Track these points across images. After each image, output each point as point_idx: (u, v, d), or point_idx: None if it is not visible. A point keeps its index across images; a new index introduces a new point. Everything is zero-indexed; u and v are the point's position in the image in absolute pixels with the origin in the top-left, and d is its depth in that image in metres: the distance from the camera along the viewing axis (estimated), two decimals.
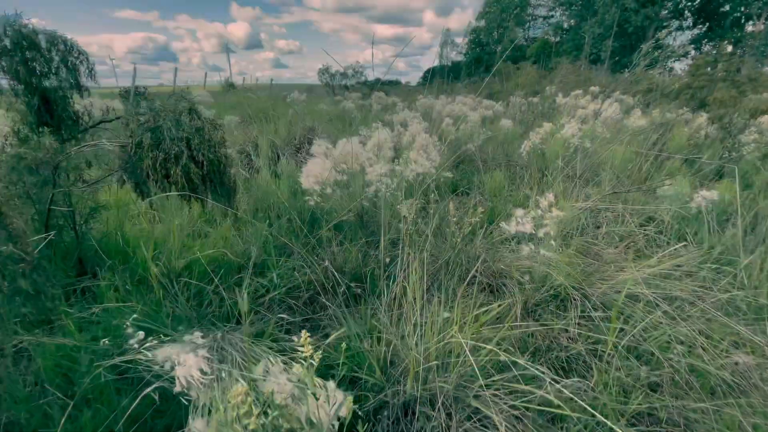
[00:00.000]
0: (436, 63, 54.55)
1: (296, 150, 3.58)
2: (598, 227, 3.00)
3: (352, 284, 2.03)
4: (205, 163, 1.65)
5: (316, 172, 1.95)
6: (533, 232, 1.64)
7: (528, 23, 48.65)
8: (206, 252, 2.08)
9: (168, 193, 1.66)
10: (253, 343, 1.40)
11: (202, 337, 1.35)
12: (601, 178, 3.55)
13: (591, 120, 6.89)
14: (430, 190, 2.53)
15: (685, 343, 1.71)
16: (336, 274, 2.09)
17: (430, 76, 48.46)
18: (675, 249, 2.70)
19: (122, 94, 13.61)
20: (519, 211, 1.70)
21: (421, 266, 1.51)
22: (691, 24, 33.81)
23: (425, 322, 1.48)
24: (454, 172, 4.27)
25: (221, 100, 10.36)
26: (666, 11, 31.79)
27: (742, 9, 30.27)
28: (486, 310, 1.57)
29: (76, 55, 2.04)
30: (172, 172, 1.57)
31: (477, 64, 45.19)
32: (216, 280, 1.98)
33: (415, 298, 1.46)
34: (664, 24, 33.51)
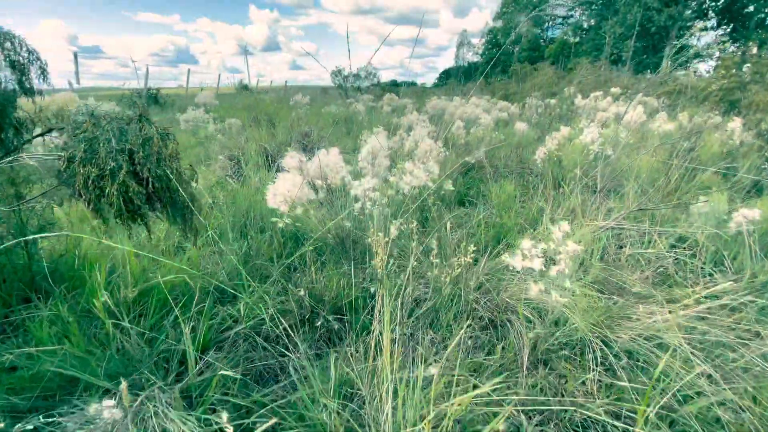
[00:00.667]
0: (453, 64, 54.10)
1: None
2: (621, 247, 2.65)
3: (331, 318, 1.75)
4: (150, 180, 1.39)
5: (284, 189, 1.68)
6: (543, 269, 1.33)
7: (546, 23, 47.75)
8: (167, 277, 1.83)
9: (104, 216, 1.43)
10: (183, 409, 1.14)
11: (123, 399, 1.09)
12: (624, 190, 3.19)
13: (613, 124, 6.49)
14: (427, 206, 2.24)
15: (730, 407, 1.38)
16: (313, 305, 1.81)
17: (446, 77, 47.98)
18: (712, 277, 2.34)
19: (133, 96, 13.70)
20: (526, 243, 1.39)
21: (401, 308, 1.22)
22: (715, 24, 32.57)
23: (406, 380, 1.19)
24: (461, 181, 3.96)
25: (231, 102, 10.24)
26: (690, 11, 30.65)
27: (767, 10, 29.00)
28: (485, 365, 1.27)
29: (25, 54, 1.82)
30: (107, 191, 1.32)
31: (494, 65, 44.53)
32: (176, 309, 1.73)
33: (392, 352, 1.17)
34: (688, 24, 32.37)
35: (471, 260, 1.29)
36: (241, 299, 1.86)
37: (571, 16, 44.37)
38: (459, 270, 1.35)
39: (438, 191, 2.51)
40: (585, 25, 40.48)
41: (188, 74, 15.25)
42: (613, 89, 11.30)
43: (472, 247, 1.29)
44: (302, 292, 1.70)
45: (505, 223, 2.60)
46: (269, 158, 3.29)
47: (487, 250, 2.52)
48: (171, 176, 1.43)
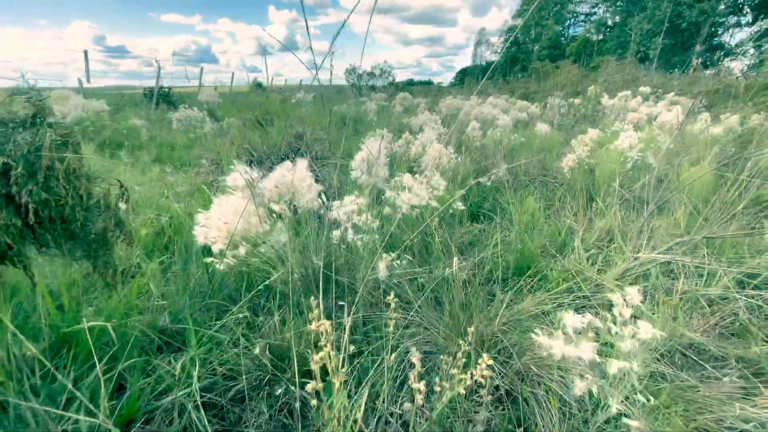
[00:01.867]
0: (470, 63, 53.17)
1: (281, 161, 2.91)
2: (673, 278, 2.14)
3: (294, 387, 1.32)
4: (30, 206, 0.99)
5: (220, 219, 1.24)
6: (596, 358, 0.86)
7: (568, 21, 46.43)
8: (93, 323, 1.43)
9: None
10: None
11: None
12: (671, 206, 2.67)
13: (647, 126, 5.89)
14: (430, 230, 1.80)
15: None
16: (275, 365, 1.38)
17: (463, 76, 47.22)
18: None
19: (145, 94, 13.59)
20: (569, 318, 0.92)
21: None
22: (750, 20, 30.91)
23: None
24: (475, 190, 3.48)
25: (239, 101, 9.95)
26: (723, 6, 29.16)
27: None
28: None
29: None
30: None
31: (513, 63, 43.51)
32: (99, 365, 1.32)
33: None
34: (721, 20, 30.89)
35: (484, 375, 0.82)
36: (186, 352, 1.45)
37: (595, 12, 43.00)
38: (458, 388, 0.90)
39: (445, 211, 2.06)
40: (609, 22, 39.10)
41: (201, 72, 15.07)
42: (642, 88, 10.60)
43: (485, 359, 0.83)
44: (258, 350, 1.27)
45: (528, 248, 2.12)
46: (253, 163, 2.89)
47: (504, 282, 2.06)
48: (72, 199, 1.02)
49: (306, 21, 1.20)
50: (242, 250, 1.25)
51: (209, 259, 1.29)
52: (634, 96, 9.35)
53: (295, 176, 1.35)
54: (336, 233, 1.42)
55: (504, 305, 1.54)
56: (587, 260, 2.16)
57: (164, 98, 13.33)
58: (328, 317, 1.52)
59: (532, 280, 1.99)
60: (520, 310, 1.51)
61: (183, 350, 1.49)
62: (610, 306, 1.89)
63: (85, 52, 9.74)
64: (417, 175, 2.63)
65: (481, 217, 3.19)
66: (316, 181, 2.71)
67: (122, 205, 1.33)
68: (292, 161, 2.98)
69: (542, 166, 4.06)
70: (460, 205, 1.88)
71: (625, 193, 2.65)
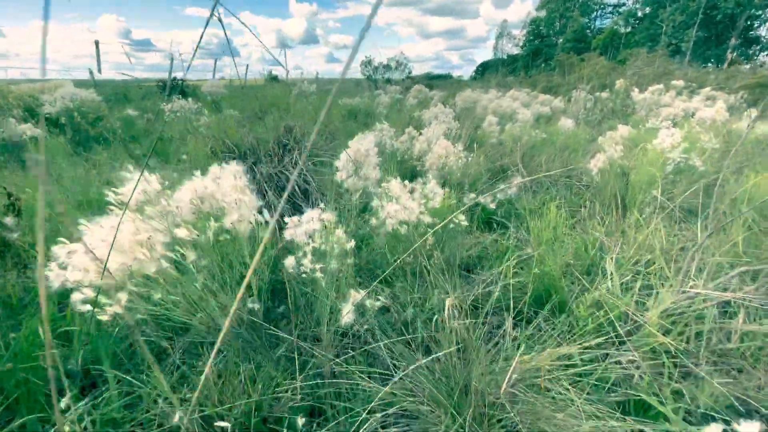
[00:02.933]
0: (491, 56, 51.96)
1: (270, 160, 2.58)
2: (730, 316, 1.72)
3: None
4: None
5: (94, 251, 0.86)
6: None
7: (595, 12, 44.66)
8: None
9: None
10: None
11: None
12: (724, 219, 2.22)
13: (685, 123, 5.35)
14: (423, 249, 1.43)
15: None
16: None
17: (483, 69, 46.15)
18: None
19: (159, 85, 13.53)
20: None
21: None
22: None
23: None
24: (487, 191, 3.08)
25: (246, 93, 9.67)
26: None
27: None
28: None
29: None
30: None
31: (535, 57, 42.20)
32: None
33: None
34: (758, 13, 29.17)
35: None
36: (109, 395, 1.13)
37: (623, 4, 41.22)
38: None
39: (445, 228, 1.68)
40: (639, 14, 37.46)
41: (215, 65, 14.90)
42: (674, 82, 9.89)
43: None
44: (178, 415, 0.94)
45: (549, 271, 1.73)
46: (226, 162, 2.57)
47: (518, 315, 1.68)
48: None
49: None
50: (123, 298, 0.89)
51: (78, 303, 0.92)
52: (666, 90, 8.70)
53: (220, 187, 1.00)
54: (289, 261, 1.07)
55: (517, 355, 1.16)
56: (622, 288, 1.75)
57: (178, 90, 13.22)
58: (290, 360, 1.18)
59: (553, 315, 1.60)
60: (536, 366, 1.13)
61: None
62: (652, 352, 1.49)
63: (96, 43, 9.62)
64: (418, 178, 2.26)
65: (494, 225, 2.79)
66: (304, 186, 2.35)
67: (7, 220, 1.00)
68: (279, 160, 2.64)
69: (565, 166, 3.61)
70: (462, 220, 1.50)
71: (668, 203, 2.21)
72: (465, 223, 1.47)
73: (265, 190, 2.38)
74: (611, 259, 1.92)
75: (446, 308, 0.97)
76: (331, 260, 1.06)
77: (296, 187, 2.41)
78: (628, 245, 2.09)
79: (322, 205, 1.14)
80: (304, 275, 1.08)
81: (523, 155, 3.77)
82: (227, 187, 0.98)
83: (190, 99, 4.63)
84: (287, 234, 1.10)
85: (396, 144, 2.85)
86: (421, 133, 2.83)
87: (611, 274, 1.76)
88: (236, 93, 6.84)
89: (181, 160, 2.81)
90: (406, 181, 1.42)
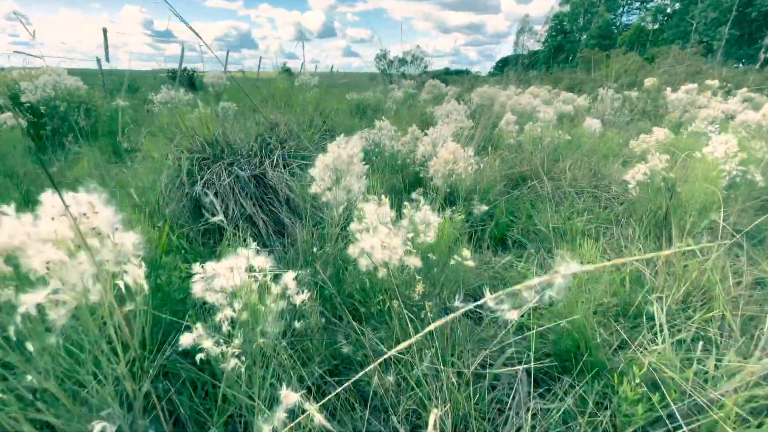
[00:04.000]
0: (511, 52, 50.78)
1: (248, 161, 2.22)
2: None
3: None
4: None
5: None
6: None
7: (621, 8, 43.11)
8: None
9: None
10: None
11: None
12: None
13: (729, 126, 4.83)
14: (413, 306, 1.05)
15: None
16: None
17: (503, 65, 45.07)
18: None
19: (169, 76, 13.37)
20: None
21: None
22: None
23: None
24: (502, 204, 2.68)
25: (251, 85, 9.36)
26: None
27: None
28: None
29: None
30: None
31: (557, 53, 41.00)
32: None
33: None
34: None
35: None
36: None
37: (651, 0, 39.69)
38: None
39: (446, 254, 1.29)
40: (668, 10, 36.02)
41: (227, 56, 14.68)
42: (709, 81, 9.23)
43: None
44: None
45: (579, 322, 1.33)
46: (199, 163, 2.20)
47: (536, 385, 1.29)
48: None
49: None
50: None
51: None
52: (701, 90, 8.07)
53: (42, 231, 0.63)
54: (185, 339, 0.70)
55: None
56: (674, 346, 1.34)
57: (188, 81, 13.05)
58: None
59: (581, 375, 1.21)
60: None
61: None
62: None
63: (104, 30, 9.42)
64: (419, 188, 1.88)
65: (510, 242, 2.39)
66: (287, 194, 1.98)
67: None
68: (260, 161, 2.28)
69: (594, 174, 3.17)
70: (469, 260, 1.11)
71: (728, 228, 1.78)
72: (471, 263, 1.09)
73: (241, 198, 2.03)
74: (657, 300, 1.51)
75: (431, 424, 0.60)
76: (258, 335, 0.71)
77: (276, 196, 2.06)
78: (676, 281, 1.68)
79: (254, 245, 0.79)
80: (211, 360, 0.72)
81: (544, 160, 3.35)
82: (46, 231, 0.60)
83: (182, 90, 4.32)
84: (195, 290, 0.74)
85: (397, 146, 2.46)
86: (426, 134, 2.43)
87: (660, 326, 1.35)
88: (243, 85, 6.52)
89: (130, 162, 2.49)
90: (386, 206, 1.04)
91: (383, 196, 1.17)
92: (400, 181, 2.38)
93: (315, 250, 1.43)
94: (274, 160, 2.10)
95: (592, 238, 2.29)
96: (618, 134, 4.40)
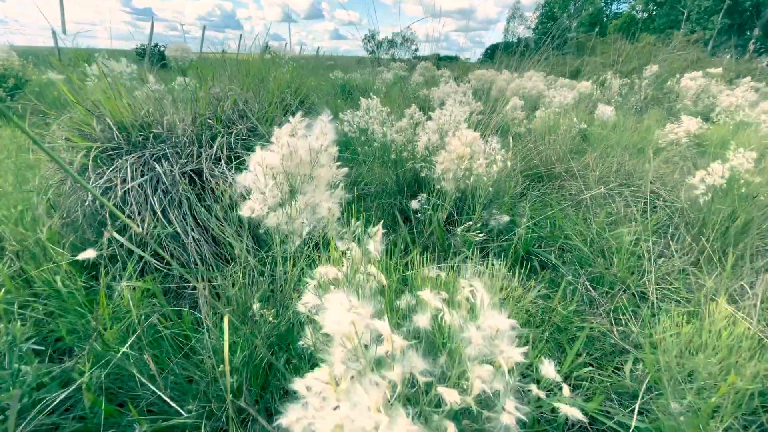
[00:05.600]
0: (501, 39, 49.98)
1: (179, 153, 1.57)
2: None
3: None
4: None
5: None
6: None
7: None
8: None
9: None
10: None
11: None
12: None
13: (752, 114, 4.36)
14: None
15: None
16: None
17: (492, 52, 44.39)
18: None
19: (138, 53, 12.33)
20: None
21: None
22: None
23: None
24: (523, 205, 2.11)
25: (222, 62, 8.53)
26: None
27: None
28: None
29: None
30: None
31: (548, 40, 40.26)
32: None
33: None
34: None
35: None
36: None
37: None
38: None
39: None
40: None
41: (203, 34, 13.69)
42: (713, 70, 8.81)
43: None
44: None
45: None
46: (101, 156, 1.57)
47: None
48: None
49: None
50: None
51: None
52: (707, 78, 7.62)
53: None
54: None
55: None
56: None
57: (159, 58, 12.04)
58: None
59: None
60: None
61: None
62: None
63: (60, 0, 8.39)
64: (422, 193, 1.33)
65: (535, 262, 1.83)
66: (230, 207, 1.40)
67: None
68: (198, 152, 1.64)
69: (626, 174, 2.62)
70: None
71: None
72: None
73: (165, 206, 1.40)
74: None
75: None
76: None
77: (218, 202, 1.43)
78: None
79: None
80: None
81: (565, 153, 2.78)
82: None
83: (123, 60, 3.59)
84: None
85: (391, 133, 1.84)
86: (430, 117, 1.81)
87: None
88: (214, 63, 5.77)
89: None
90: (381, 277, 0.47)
91: (374, 232, 0.57)
92: (393, 182, 1.78)
93: (254, 310, 0.83)
94: (215, 151, 1.47)
95: (644, 257, 1.75)
96: (636, 121, 3.85)
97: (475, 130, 1.97)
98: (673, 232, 2.07)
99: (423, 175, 1.66)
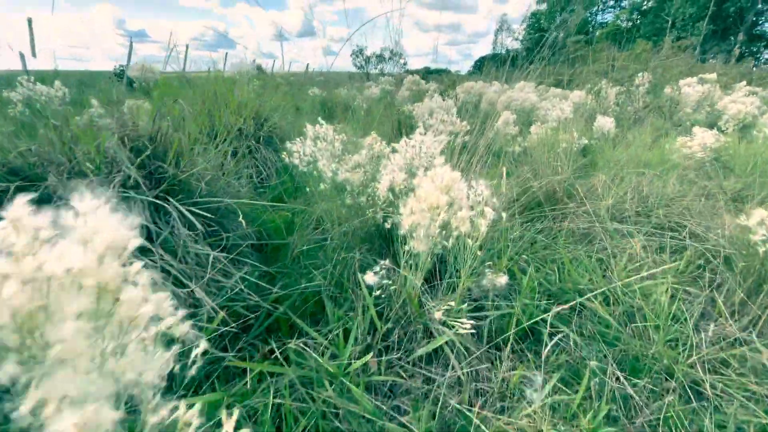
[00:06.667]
0: (489, 51, 50.46)
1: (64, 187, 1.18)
2: None
3: None
4: None
5: None
6: None
7: (597, 7, 43.19)
8: None
9: None
10: None
11: None
12: None
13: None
14: None
15: None
16: None
17: (481, 64, 44.72)
18: None
19: (116, 73, 11.94)
20: None
21: None
22: None
23: None
24: (518, 245, 1.68)
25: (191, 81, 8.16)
26: None
27: None
28: None
29: None
30: None
31: (536, 51, 40.61)
32: None
33: None
34: (766, 8, 28.34)
35: None
36: None
37: None
38: None
39: None
40: (644, 6, 36.32)
41: (186, 53, 13.38)
42: (707, 75, 8.56)
43: None
44: None
45: None
46: None
47: None
48: None
49: None
50: None
51: None
52: (701, 83, 7.35)
53: None
54: None
55: None
56: None
57: (129, 80, 11.69)
58: None
59: None
60: None
61: None
62: None
63: (29, 21, 8.02)
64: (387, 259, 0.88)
65: (541, 332, 1.39)
66: None
67: None
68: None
69: (644, 203, 2.19)
70: None
71: None
72: None
73: None
74: None
75: None
76: None
77: None
78: None
79: None
80: None
81: (569, 176, 2.37)
82: None
83: (57, 84, 3.16)
84: None
85: (344, 172, 1.37)
86: (394, 150, 1.36)
87: None
88: (182, 83, 5.37)
89: None
90: None
91: None
92: (351, 233, 1.33)
93: None
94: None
95: (685, 321, 1.32)
96: (659, 134, 3.46)
97: (458, 158, 1.54)
98: (711, 276, 1.65)
99: (386, 227, 1.22)
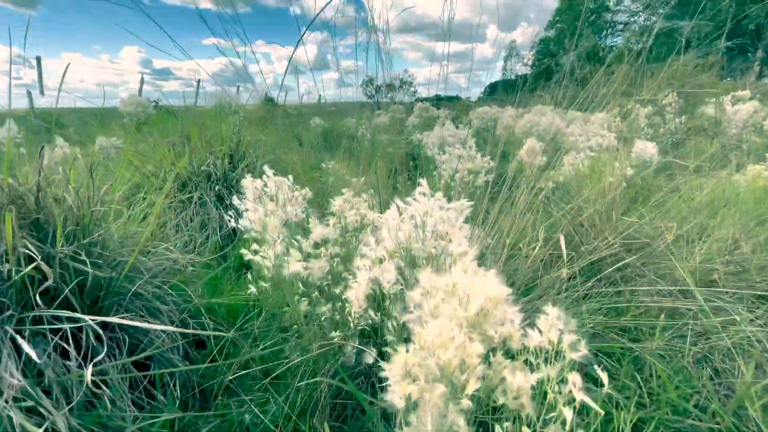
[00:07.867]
0: (500, 77, 50.83)
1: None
2: None
3: None
4: None
5: None
6: None
7: (605, 31, 43.26)
8: None
9: None
10: None
11: None
12: None
13: None
14: None
15: None
16: None
17: (492, 89, 44.89)
18: None
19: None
20: None
21: None
22: None
23: None
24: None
25: (184, 114, 7.94)
26: None
27: None
28: None
29: None
30: None
31: (547, 76, 40.61)
32: None
33: None
34: None
35: None
36: None
37: (634, 21, 39.84)
38: None
39: None
40: (656, 28, 36.17)
41: (197, 87, 13.43)
42: (740, 92, 7.98)
43: None
44: None
45: None
46: None
47: None
48: None
49: None
50: None
51: None
52: (735, 102, 6.77)
53: None
54: None
55: None
56: None
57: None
58: None
59: None
60: None
61: None
62: None
63: (38, 59, 8.02)
64: None
65: None
66: None
67: None
68: None
69: (732, 254, 1.62)
70: None
71: None
72: None
73: None
74: None
75: None
76: None
77: None
78: None
79: None
80: None
81: (617, 222, 1.82)
82: None
83: (7, 122, 2.81)
84: None
85: (295, 259, 0.81)
86: (374, 227, 0.83)
87: None
88: (176, 115, 5.08)
89: None
90: None
91: None
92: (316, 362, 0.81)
93: None
94: None
95: None
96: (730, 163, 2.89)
97: (484, 215, 1.03)
98: None
99: (367, 363, 0.69)
